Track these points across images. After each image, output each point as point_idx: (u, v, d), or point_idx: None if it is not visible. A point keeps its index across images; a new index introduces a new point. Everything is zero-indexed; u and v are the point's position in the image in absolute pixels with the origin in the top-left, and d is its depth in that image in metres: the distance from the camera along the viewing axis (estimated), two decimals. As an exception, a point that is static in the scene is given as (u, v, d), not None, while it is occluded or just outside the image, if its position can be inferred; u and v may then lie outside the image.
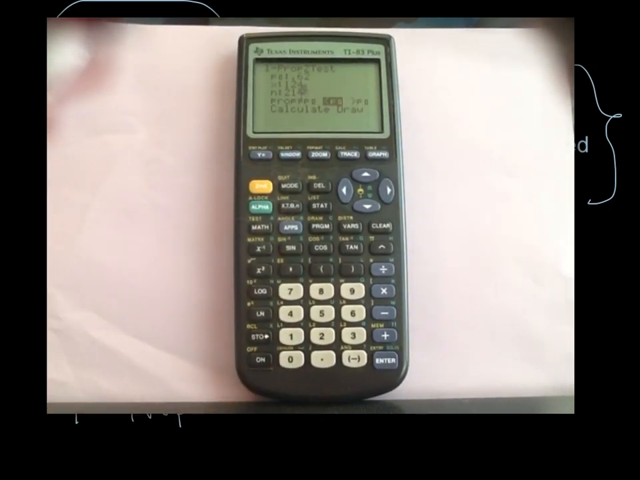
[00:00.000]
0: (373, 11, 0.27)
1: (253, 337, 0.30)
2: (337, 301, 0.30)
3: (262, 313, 0.30)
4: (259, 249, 0.30)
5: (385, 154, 0.31)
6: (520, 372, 0.32)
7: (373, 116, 0.32)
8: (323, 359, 0.30)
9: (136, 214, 0.33)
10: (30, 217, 0.22)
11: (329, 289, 0.30)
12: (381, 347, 0.30)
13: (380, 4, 0.27)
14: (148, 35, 0.34)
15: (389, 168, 0.31)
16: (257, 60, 0.33)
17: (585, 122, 0.24)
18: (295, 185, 0.31)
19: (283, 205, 0.31)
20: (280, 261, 0.30)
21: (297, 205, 0.31)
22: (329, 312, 0.30)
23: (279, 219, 0.31)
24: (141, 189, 0.33)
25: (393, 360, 0.30)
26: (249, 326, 0.30)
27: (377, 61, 0.33)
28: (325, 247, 0.30)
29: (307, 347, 0.30)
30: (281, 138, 0.31)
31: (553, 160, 0.34)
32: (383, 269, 0.30)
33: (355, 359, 0.30)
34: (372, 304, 0.30)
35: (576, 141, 0.24)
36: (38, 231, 0.23)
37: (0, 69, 0.22)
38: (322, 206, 0.31)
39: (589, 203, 0.24)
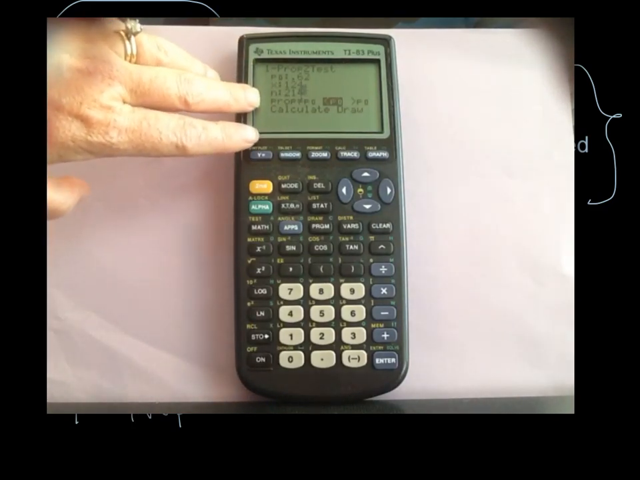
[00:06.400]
0: (372, 11, 0.27)
1: (253, 336, 0.30)
2: (337, 301, 0.30)
3: (262, 313, 0.30)
4: (259, 249, 0.30)
5: (384, 154, 0.31)
6: (520, 372, 0.32)
7: (373, 116, 0.32)
8: (323, 359, 0.30)
9: (136, 214, 0.33)
10: (30, 217, 0.22)
11: (328, 289, 0.30)
12: (380, 347, 0.30)
13: (380, 4, 0.27)
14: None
15: (389, 168, 0.31)
16: (257, 60, 0.33)
17: (585, 122, 0.24)
18: (295, 185, 0.31)
19: (282, 205, 0.31)
20: (280, 261, 0.30)
21: (297, 205, 0.31)
22: (329, 312, 0.30)
23: (279, 218, 0.31)
24: (141, 189, 0.33)
25: (393, 360, 0.30)
26: (249, 326, 0.30)
27: (377, 61, 0.33)
28: (325, 247, 0.30)
29: (307, 346, 0.30)
30: (281, 138, 0.31)
31: (553, 160, 0.34)
32: (383, 269, 0.30)
33: (355, 359, 0.30)
34: (372, 304, 0.30)
35: (576, 141, 0.24)
36: (38, 231, 0.23)
37: (0, 69, 0.22)
38: (322, 206, 0.31)
39: (589, 203, 0.24)
